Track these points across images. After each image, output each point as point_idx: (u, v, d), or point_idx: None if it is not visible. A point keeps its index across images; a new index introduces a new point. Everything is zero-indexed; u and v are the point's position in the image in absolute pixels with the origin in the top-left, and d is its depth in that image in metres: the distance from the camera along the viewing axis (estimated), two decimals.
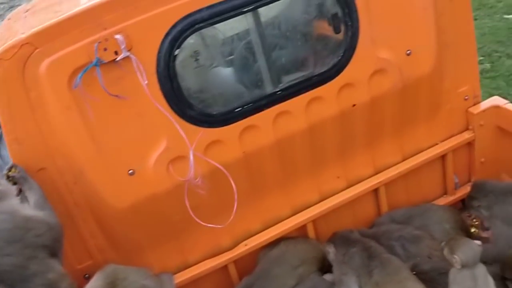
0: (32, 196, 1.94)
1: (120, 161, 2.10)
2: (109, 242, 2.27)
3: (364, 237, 2.47)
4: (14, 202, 1.90)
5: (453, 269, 2.11)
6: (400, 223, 2.67)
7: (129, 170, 2.11)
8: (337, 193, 2.65)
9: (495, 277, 2.25)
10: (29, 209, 1.90)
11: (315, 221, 2.63)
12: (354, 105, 2.43)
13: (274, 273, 2.43)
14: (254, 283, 2.41)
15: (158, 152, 2.12)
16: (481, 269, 2.09)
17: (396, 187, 2.77)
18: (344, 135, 2.52)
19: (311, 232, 2.64)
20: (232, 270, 2.51)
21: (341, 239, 2.45)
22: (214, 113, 2.17)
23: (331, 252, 2.45)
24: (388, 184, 2.72)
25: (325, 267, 2.56)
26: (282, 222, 2.57)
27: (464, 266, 2.07)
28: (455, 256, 2.08)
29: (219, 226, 2.28)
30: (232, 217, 2.28)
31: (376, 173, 2.71)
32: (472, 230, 2.85)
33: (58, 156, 2.02)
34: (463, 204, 3.04)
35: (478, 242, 2.16)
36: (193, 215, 2.21)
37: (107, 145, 2.05)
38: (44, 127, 1.96)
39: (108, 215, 2.19)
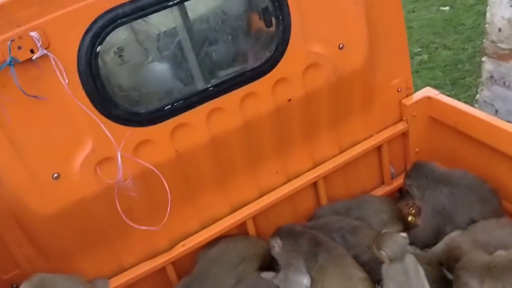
0: None
1: (43, 165, 1.99)
2: (37, 250, 2.16)
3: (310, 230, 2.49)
4: None
5: (384, 264, 2.14)
6: (340, 215, 2.70)
7: (54, 174, 2.01)
8: (276, 188, 2.64)
9: (429, 263, 2.34)
10: None
11: (255, 217, 2.61)
12: (289, 100, 2.42)
13: (213, 272, 2.40)
14: (192, 283, 2.36)
15: (84, 154, 2.02)
16: (411, 260, 2.13)
17: (335, 180, 2.80)
18: (281, 130, 2.50)
19: (251, 229, 2.62)
20: (171, 271, 2.46)
21: (287, 232, 2.45)
22: (142, 111, 2.09)
23: (276, 246, 2.43)
24: (326, 177, 2.74)
25: (266, 263, 2.55)
26: (221, 221, 2.53)
27: (392, 260, 2.11)
28: (382, 252, 2.12)
29: (153, 229, 2.22)
30: (166, 219, 2.22)
31: (315, 167, 2.72)
32: (409, 218, 2.94)
33: None
34: (400, 194, 3.12)
35: (403, 234, 2.21)
36: (125, 219, 2.13)
37: (28, 149, 1.93)
38: None
39: (34, 223, 2.07)
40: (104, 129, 1.96)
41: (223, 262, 2.44)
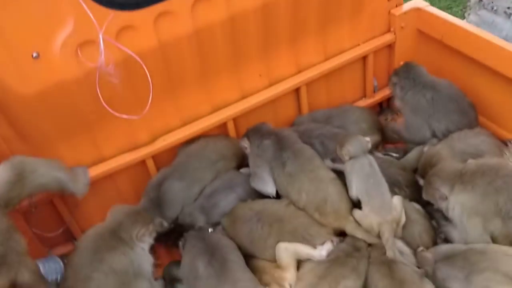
0: None
1: (23, 44, 1.93)
2: (15, 132, 2.14)
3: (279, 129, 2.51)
4: None
5: (347, 162, 2.21)
6: (321, 123, 2.72)
7: (33, 53, 1.95)
8: (259, 91, 2.64)
9: (403, 168, 2.42)
10: None
11: (236, 119, 2.62)
12: None
13: (192, 167, 2.44)
14: (171, 174, 2.41)
15: (65, 34, 1.96)
16: (372, 157, 2.22)
17: (317, 88, 2.80)
18: (267, 30, 2.46)
19: (231, 130, 2.64)
20: (150, 164, 2.49)
21: (253, 132, 2.44)
22: None
23: (246, 146, 2.45)
24: (309, 84, 2.74)
25: (244, 164, 2.60)
26: (202, 119, 2.54)
27: (352, 157, 2.19)
28: (344, 149, 2.19)
29: (134, 117, 2.21)
30: (147, 110, 2.21)
31: (298, 72, 2.70)
32: None
33: None
34: (381, 108, 3.16)
35: (367, 138, 2.26)
36: (105, 105, 2.11)
37: (6, 26, 1.86)
38: None
39: (13, 102, 2.04)
40: (86, 8, 1.90)
41: (203, 158, 2.47)
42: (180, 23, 2.17)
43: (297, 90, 2.74)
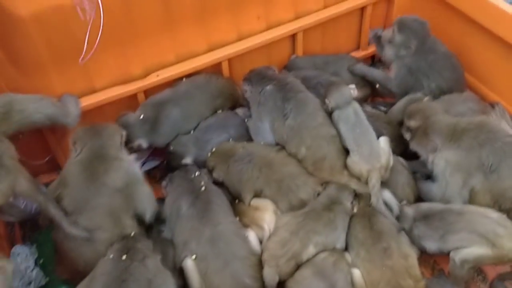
0: None
1: None
2: (7, 56, 2.08)
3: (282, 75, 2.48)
4: None
5: (334, 112, 2.26)
6: (318, 68, 2.72)
7: None
8: (256, 34, 2.61)
9: (389, 122, 2.47)
10: None
11: (231, 60, 2.60)
12: None
13: (195, 98, 2.45)
14: (174, 101, 2.41)
15: None
16: (357, 105, 2.28)
17: (313, 35, 2.79)
18: None
19: (225, 70, 2.62)
20: (141, 99, 2.46)
21: (257, 76, 2.41)
22: None
23: (248, 90, 2.43)
24: (306, 30, 2.72)
25: (237, 106, 2.61)
26: (197, 57, 2.51)
27: (335, 108, 2.25)
28: (327, 100, 2.25)
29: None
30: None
31: (296, 18, 2.68)
32: (377, 86, 3.01)
33: None
34: (373, 61, 3.17)
35: (351, 86, 2.30)
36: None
37: None
38: None
39: (7, 24, 1.97)
40: None
41: (205, 92, 2.48)
42: None
43: (293, 36, 2.72)
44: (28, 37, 2.03)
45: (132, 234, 1.97)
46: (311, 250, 2.00)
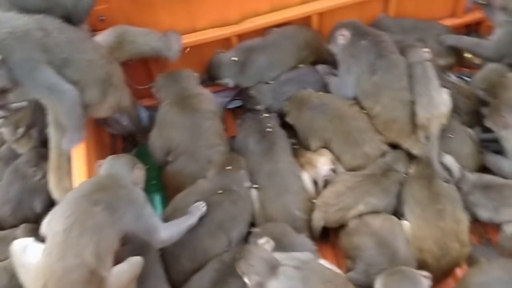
0: None
1: None
2: None
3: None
4: None
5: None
6: (406, 31, 2.76)
7: None
8: None
9: (468, 96, 2.51)
10: None
11: (322, 14, 2.74)
12: None
13: (282, 47, 2.64)
14: (263, 48, 2.63)
15: None
16: (427, 64, 2.38)
17: None
18: None
19: (315, 24, 2.77)
20: (235, 42, 2.71)
21: (353, 27, 2.47)
22: None
23: (342, 38, 2.47)
24: None
25: (321, 61, 2.72)
26: (290, 8, 2.68)
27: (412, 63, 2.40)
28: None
29: None
30: None
31: None
32: (467, 55, 2.99)
33: None
34: (468, 31, 3.11)
35: (425, 49, 2.43)
36: None
37: None
38: None
39: None
40: None
41: (293, 42, 2.66)
42: None
43: None
44: None
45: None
46: (361, 207, 2.17)
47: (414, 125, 2.33)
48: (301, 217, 2.18)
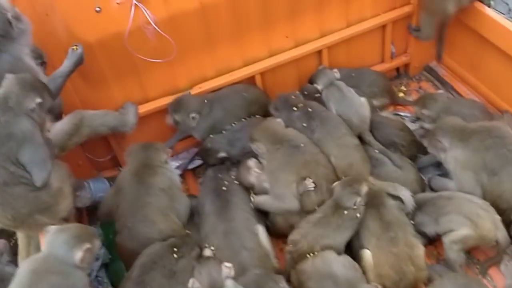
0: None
1: None
2: (79, 73, 2.56)
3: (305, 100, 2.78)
4: None
5: (322, 93, 2.77)
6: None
7: (96, 7, 2.36)
8: (285, 51, 2.97)
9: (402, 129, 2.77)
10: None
11: (263, 73, 2.99)
12: None
13: (234, 101, 2.85)
14: (216, 102, 2.82)
15: None
16: (341, 83, 2.76)
17: (338, 51, 3.11)
18: None
19: (259, 83, 3.01)
20: None
21: (283, 103, 2.73)
22: None
23: (275, 114, 2.75)
24: (331, 47, 3.05)
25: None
26: (234, 71, 2.92)
27: (323, 88, 2.76)
28: (315, 84, 2.78)
29: (169, 59, 2.60)
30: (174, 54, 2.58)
31: (322, 37, 3.02)
32: (400, 94, 3.29)
33: None
34: (398, 73, 3.44)
35: (334, 70, 2.82)
36: (137, 55, 2.53)
37: None
38: None
39: None
40: None
41: (243, 98, 2.88)
42: None
43: (319, 52, 3.06)
44: (95, 59, 2.53)
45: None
46: (318, 249, 2.24)
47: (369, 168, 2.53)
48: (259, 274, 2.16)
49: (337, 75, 2.80)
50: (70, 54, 2.36)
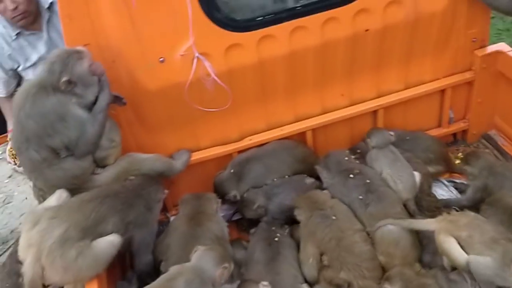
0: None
1: (154, 49, 2.44)
2: (137, 117, 2.67)
3: (360, 164, 2.70)
4: None
5: (369, 152, 2.69)
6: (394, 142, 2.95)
7: (160, 58, 2.46)
8: (339, 109, 2.96)
9: None
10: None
11: (315, 130, 2.97)
12: (367, 30, 2.67)
13: (278, 158, 2.83)
14: (259, 158, 2.82)
15: (186, 46, 2.43)
16: (393, 147, 2.66)
17: (394, 112, 3.05)
18: (354, 57, 2.78)
19: (309, 139, 2.99)
20: None
21: (336, 166, 2.67)
22: (238, 18, 2.45)
23: (325, 176, 2.69)
24: (387, 108, 3.01)
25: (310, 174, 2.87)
26: (285, 126, 2.92)
27: (375, 147, 2.66)
28: (368, 140, 2.70)
29: (223, 108, 2.64)
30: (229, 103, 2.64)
31: (378, 97, 2.99)
32: (457, 162, 3.17)
33: (101, 35, 2.36)
34: (454, 139, 3.33)
35: (390, 132, 2.71)
36: (196, 105, 2.59)
37: (144, 32, 2.38)
38: (92, 7, 2.29)
39: (139, 95, 2.56)
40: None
41: (288, 155, 2.86)
42: (278, 46, 2.57)
43: (374, 112, 3.03)
44: (153, 106, 2.62)
45: None
46: None
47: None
48: None
49: (393, 138, 2.71)
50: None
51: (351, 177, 2.58)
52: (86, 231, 2.13)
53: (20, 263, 2.13)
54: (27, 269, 2.06)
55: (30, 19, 2.90)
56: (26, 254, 2.09)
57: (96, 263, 2.11)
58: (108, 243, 2.15)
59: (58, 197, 2.26)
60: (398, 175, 2.56)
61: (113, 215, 2.23)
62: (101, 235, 2.16)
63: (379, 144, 2.70)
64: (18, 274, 2.23)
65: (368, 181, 2.54)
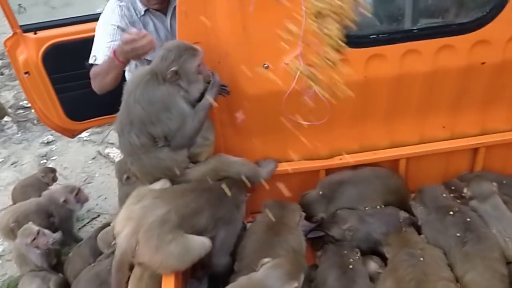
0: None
1: (260, 54, 2.42)
2: (230, 120, 2.66)
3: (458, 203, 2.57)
4: None
5: (472, 201, 2.53)
6: None
7: (265, 64, 2.43)
8: (438, 141, 2.81)
9: None
10: None
11: (409, 159, 2.83)
12: (483, 63, 2.51)
13: (371, 186, 2.74)
14: (353, 183, 2.74)
15: (292, 55, 2.39)
16: (497, 199, 2.49)
17: (496, 153, 2.86)
18: (464, 89, 2.63)
19: (402, 168, 2.86)
20: (322, 175, 2.84)
21: (433, 202, 2.56)
22: (351, 34, 2.37)
23: (420, 212, 2.59)
24: (489, 147, 2.82)
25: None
26: (378, 151, 2.81)
27: (474, 198, 2.48)
28: (465, 189, 2.55)
29: (319, 122, 2.55)
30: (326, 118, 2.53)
31: (482, 134, 2.81)
32: None
33: (212, 35, 2.38)
34: None
35: (494, 183, 2.49)
36: (290, 116, 2.52)
37: (254, 37, 2.37)
38: (209, 7, 2.31)
39: (239, 99, 2.55)
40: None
41: (382, 184, 2.75)
42: (387, 66, 2.48)
43: (475, 150, 2.84)
44: (250, 110, 2.59)
45: None
46: None
47: None
48: None
49: (496, 189, 2.50)
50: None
51: (450, 214, 2.44)
52: (183, 219, 2.16)
53: None
54: (122, 241, 2.09)
55: (164, 5, 3.02)
56: (123, 227, 2.12)
57: (186, 255, 2.12)
58: (201, 242, 2.17)
59: (162, 184, 2.32)
60: (508, 233, 2.35)
61: (208, 209, 2.27)
62: (194, 227, 2.18)
63: (478, 194, 2.50)
64: None
65: (468, 219, 2.39)
